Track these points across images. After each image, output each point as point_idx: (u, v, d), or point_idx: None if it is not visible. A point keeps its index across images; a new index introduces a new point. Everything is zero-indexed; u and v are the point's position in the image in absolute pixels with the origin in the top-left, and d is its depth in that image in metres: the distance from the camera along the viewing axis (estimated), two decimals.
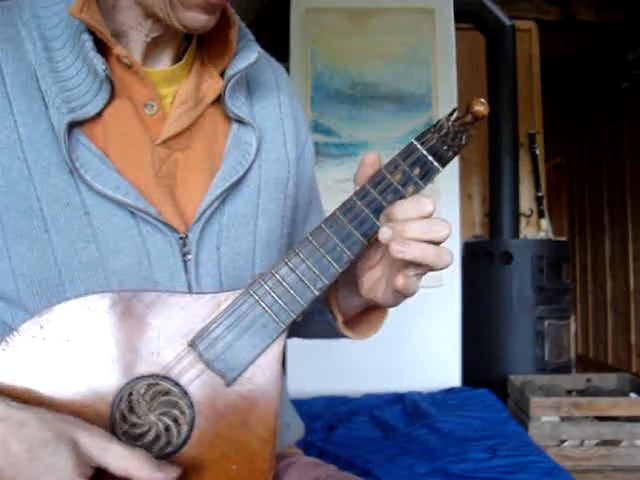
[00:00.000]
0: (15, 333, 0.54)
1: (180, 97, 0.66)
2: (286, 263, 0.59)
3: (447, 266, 0.56)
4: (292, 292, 0.58)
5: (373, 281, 0.63)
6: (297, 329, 0.79)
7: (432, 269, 0.56)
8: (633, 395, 2.41)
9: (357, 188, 0.59)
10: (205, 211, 0.64)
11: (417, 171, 0.60)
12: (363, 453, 1.61)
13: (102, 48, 0.61)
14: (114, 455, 0.50)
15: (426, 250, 0.54)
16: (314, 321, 0.73)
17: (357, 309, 0.69)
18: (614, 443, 2.11)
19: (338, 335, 0.72)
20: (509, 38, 2.88)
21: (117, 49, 0.61)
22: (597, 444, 2.11)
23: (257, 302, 0.58)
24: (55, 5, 0.62)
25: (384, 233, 0.55)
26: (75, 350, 0.54)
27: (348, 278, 0.64)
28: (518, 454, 1.57)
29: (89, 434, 0.51)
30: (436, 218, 0.56)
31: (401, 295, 0.60)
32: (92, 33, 0.60)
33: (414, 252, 0.54)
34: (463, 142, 0.61)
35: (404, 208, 0.55)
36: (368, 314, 0.71)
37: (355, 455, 1.58)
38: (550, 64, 3.68)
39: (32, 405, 0.52)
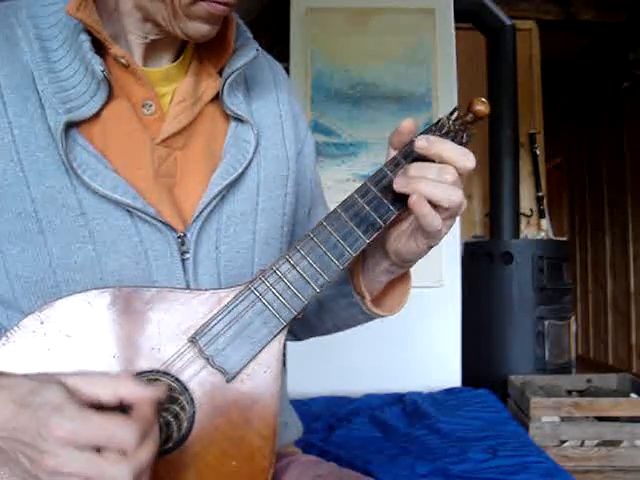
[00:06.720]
0: (15, 328, 0.54)
1: (178, 95, 0.66)
2: (287, 260, 0.59)
3: (457, 204, 0.58)
4: (293, 288, 0.58)
5: (398, 232, 0.64)
6: (319, 325, 0.79)
7: (449, 210, 0.58)
8: (633, 395, 2.40)
9: (358, 186, 0.59)
10: (204, 210, 0.64)
11: None
12: (363, 453, 1.61)
13: (100, 48, 0.61)
14: (101, 385, 0.48)
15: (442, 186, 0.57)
16: (339, 308, 0.73)
17: (382, 283, 0.69)
18: (614, 444, 2.10)
19: (364, 318, 0.72)
20: (509, 38, 2.88)
21: (114, 49, 0.61)
22: (597, 444, 2.11)
23: (258, 298, 0.58)
24: (53, 5, 0.61)
25: (419, 140, 0.58)
26: (75, 346, 0.54)
27: (376, 242, 0.66)
28: (518, 454, 1.57)
29: (73, 374, 0.49)
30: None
31: (425, 238, 0.61)
32: (90, 34, 0.60)
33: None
34: (464, 141, 0.61)
35: (442, 148, 0.58)
36: (392, 288, 0.71)
37: (355, 455, 1.58)
38: (550, 64, 3.68)
39: None
